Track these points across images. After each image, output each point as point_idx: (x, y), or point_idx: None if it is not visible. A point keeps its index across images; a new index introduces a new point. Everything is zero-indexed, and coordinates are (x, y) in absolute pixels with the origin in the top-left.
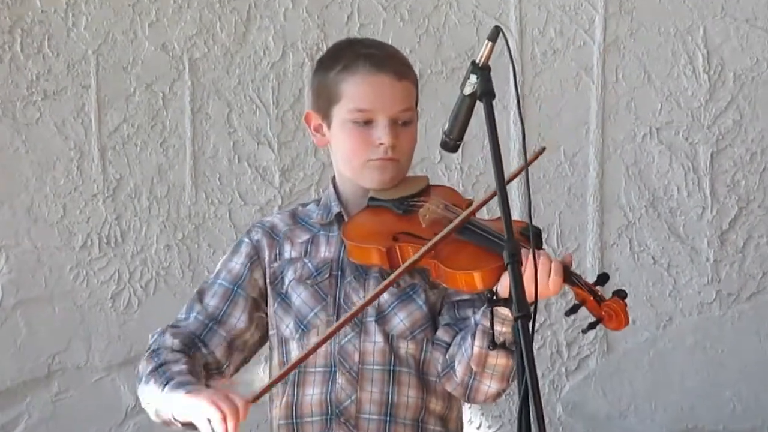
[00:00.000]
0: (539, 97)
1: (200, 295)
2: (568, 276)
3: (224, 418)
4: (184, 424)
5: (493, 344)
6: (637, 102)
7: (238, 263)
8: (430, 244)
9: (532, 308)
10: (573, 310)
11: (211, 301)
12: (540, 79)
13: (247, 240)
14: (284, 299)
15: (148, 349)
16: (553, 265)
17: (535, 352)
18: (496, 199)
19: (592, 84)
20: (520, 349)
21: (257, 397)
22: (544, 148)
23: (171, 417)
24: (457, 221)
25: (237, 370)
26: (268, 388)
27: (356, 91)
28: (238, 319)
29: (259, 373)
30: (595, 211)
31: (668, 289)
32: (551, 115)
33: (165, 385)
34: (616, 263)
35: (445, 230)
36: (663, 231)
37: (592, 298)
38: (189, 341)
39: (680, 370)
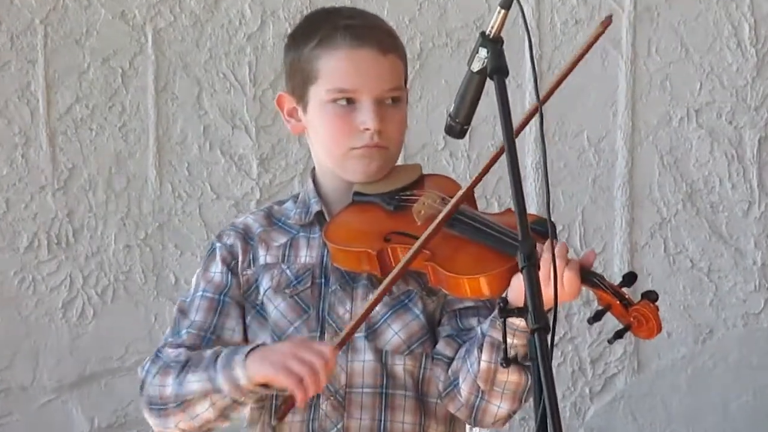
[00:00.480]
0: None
1: (183, 313)
2: (588, 277)
3: (314, 373)
4: (256, 387)
5: (506, 359)
6: (672, 80)
7: (216, 272)
8: (431, 228)
9: (550, 318)
10: (597, 317)
11: (197, 316)
12: (560, 53)
13: (219, 245)
14: (259, 311)
15: (149, 375)
16: (569, 264)
17: (554, 369)
18: (509, 190)
19: (621, 59)
20: (537, 366)
21: (342, 344)
22: (610, 17)
23: (241, 388)
24: (460, 193)
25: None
26: (352, 330)
27: (335, 68)
28: (234, 330)
29: None
30: (623, 207)
31: (709, 297)
32: (573, 94)
33: (214, 363)
34: (649, 267)
35: (449, 205)
36: (703, 230)
37: (618, 301)
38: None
39: (723, 392)
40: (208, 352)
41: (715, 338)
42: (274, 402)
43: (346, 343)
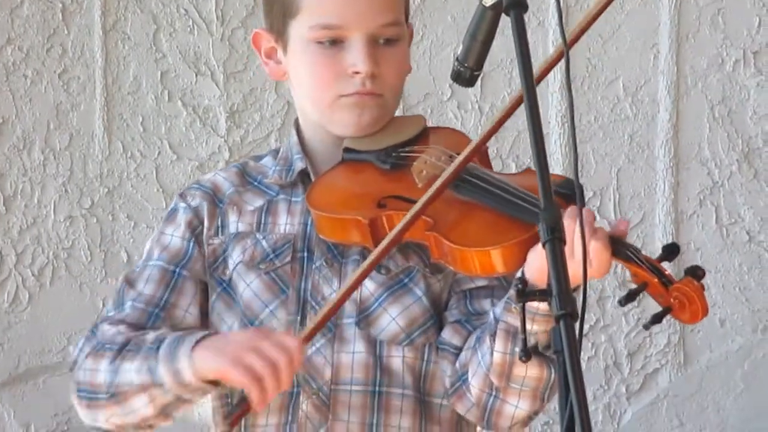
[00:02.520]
0: (589, 9)
1: (129, 284)
2: (620, 249)
3: (276, 371)
4: (204, 384)
5: (525, 351)
6: (726, 15)
7: (176, 236)
8: (428, 194)
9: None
10: (630, 297)
11: (146, 288)
12: None
13: (183, 205)
14: (226, 290)
15: (82, 355)
16: (595, 233)
17: (583, 364)
18: (528, 148)
19: None
20: (563, 360)
21: (310, 335)
22: None
23: (185, 384)
24: (469, 148)
25: None
26: (325, 318)
27: None
28: (186, 311)
29: None
30: (667, 169)
31: None
32: (606, 33)
33: (156, 351)
34: (697, 241)
35: (452, 166)
36: (762, 196)
37: (656, 279)
38: (136, 330)
39: None
40: (150, 336)
41: None
42: (229, 400)
43: (315, 335)
